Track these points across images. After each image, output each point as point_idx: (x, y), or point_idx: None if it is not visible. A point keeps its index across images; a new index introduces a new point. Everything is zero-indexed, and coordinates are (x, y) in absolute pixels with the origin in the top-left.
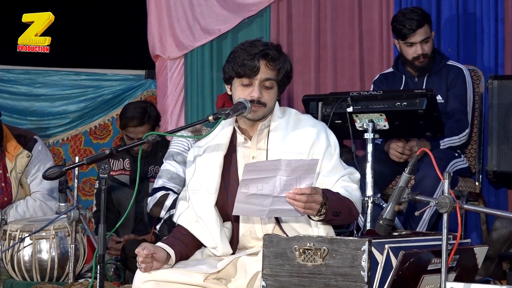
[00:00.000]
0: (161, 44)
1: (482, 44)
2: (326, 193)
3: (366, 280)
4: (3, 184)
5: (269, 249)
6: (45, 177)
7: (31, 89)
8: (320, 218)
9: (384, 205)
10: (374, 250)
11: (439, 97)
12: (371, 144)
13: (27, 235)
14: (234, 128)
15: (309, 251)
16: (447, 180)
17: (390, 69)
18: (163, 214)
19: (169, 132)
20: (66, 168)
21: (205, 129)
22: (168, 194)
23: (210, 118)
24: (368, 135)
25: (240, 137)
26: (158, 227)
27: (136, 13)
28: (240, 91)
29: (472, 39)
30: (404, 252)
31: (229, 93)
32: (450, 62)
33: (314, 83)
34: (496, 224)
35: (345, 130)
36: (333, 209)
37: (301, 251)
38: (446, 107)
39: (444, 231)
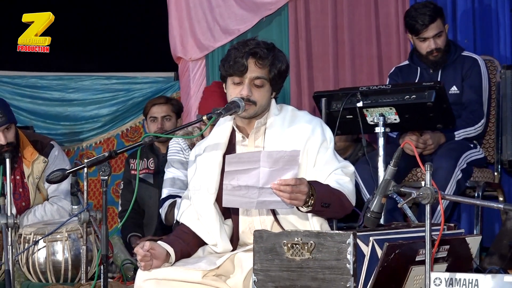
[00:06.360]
0: (183, 46)
1: (498, 35)
2: (314, 184)
3: (351, 272)
4: (20, 190)
5: (259, 244)
6: (48, 180)
7: (64, 94)
8: (308, 209)
9: (397, 198)
10: (360, 242)
11: (454, 88)
12: (382, 138)
13: (40, 237)
14: (233, 127)
15: (297, 245)
16: (428, 171)
17: (406, 62)
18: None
19: (167, 133)
20: (69, 171)
21: (196, 130)
22: (175, 200)
23: (204, 118)
24: (379, 129)
25: (238, 135)
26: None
27: (163, 15)
28: (232, 89)
29: (488, 30)
30: (388, 244)
31: (225, 91)
32: (465, 53)
33: (333, 80)
34: (511, 213)
35: (356, 125)
36: (322, 200)
37: (289, 246)
38: (462, 98)
39: (427, 222)
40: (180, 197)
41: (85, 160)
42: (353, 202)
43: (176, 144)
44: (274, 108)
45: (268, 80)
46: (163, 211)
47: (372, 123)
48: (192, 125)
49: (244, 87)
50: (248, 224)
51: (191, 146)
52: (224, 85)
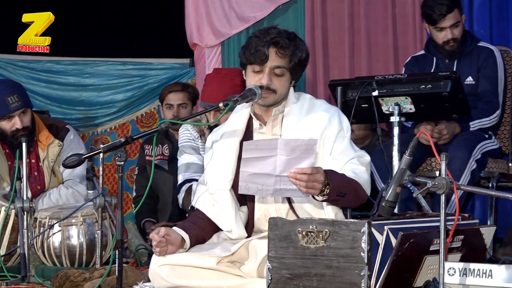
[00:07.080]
0: (199, 32)
1: None
2: (330, 173)
3: (366, 261)
4: (36, 173)
5: (274, 232)
6: (65, 165)
7: (79, 79)
8: (324, 198)
9: (412, 188)
10: (375, 231)
11: (470, 79)
12: (397, 127)
13: (55, 222)
14: (250, 114)
15: (312, 233)
16: (444, 161)
17: (422, 52)
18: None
19: (182, 120)
20: (85, 156)
21: (204, 117)
22: (192, 185)
23: (221, 105)
24: (394, 118)
25: (255, 123)
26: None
27: (179, 1)
28: (251, 77)
29: (505, 20)
30: (402, 233)
31: (244, 78)
32: (481, 44)
33: (349, 68)
34: None
35: (372, 114)
36: (337, 189)
37: (304, 233)
38: (477, 89)
39: (442, 211)
40: (196, 180)
41: (101, 145)
42: (368, 191)
43: (186, 132)
44: (292, 96)
45: (288, 69)
46: (180, 196)
47: (387, 112)
48: (208, 112)
49: (264, 75)
50: (264, 211)
51: (201, 133)
52: (243, 72)
